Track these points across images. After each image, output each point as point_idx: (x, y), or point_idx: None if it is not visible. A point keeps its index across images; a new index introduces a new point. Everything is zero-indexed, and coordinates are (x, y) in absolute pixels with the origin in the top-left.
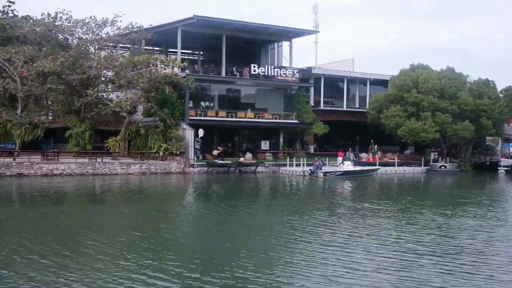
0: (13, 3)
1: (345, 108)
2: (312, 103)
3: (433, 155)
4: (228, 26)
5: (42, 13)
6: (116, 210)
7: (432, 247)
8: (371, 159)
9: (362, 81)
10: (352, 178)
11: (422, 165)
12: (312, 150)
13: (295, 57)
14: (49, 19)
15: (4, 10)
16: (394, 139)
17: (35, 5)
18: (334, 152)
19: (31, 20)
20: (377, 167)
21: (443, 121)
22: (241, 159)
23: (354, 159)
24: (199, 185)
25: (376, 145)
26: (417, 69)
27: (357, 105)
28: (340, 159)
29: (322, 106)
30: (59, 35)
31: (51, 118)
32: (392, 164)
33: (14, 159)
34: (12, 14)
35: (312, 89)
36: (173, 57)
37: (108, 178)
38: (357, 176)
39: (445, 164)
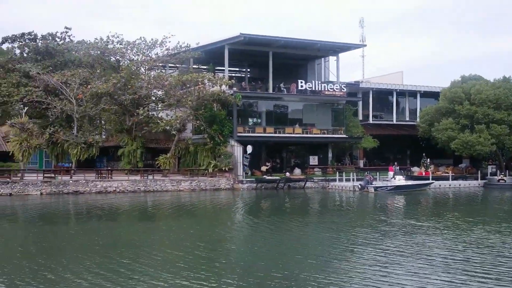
0: (70, 29)
1: (394, 122)
2: (360, 117)
3: (490, 168)
4: (274, 42)
5: (95, 38)
6: (161, 227)
7: (483, 267)
8: (423, 173)
9: (412, 94)
10: (404, 192)
11: (479, 179)
12: (361, 165)
13: (342, 71)
14: (101, 43)
15: (61, 36)
16: (447, 152)
17: (90, 30)
18: (384, 167)
19: (85, 44)
20: (430, 181)
21: (500, 133)
22: (287, 174)
23: (403, 173)
24: (248, 202)
25: (428, 159)
26: (468, 81)
27: (407, 118)
28: (391, 173)
29: (371, 120)
30: (111, 57)
31: (104, 137)
32: (446, 178)
33: (71, 177)
34: (69, 39)
35: (360, 103)
36: (220, 75)
37: (159, 195)
38: (410, 190)
39: (504, 178)
